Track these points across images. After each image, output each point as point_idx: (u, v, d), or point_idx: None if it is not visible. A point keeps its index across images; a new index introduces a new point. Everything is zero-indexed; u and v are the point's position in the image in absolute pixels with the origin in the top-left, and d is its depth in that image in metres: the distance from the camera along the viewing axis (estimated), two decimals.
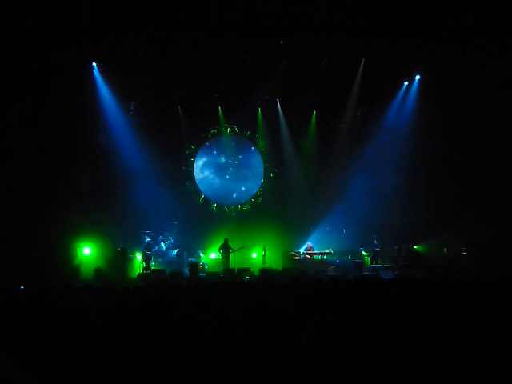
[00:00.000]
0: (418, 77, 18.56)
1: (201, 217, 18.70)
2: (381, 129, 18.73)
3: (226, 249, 16.54)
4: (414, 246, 17.82)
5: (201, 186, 19.47)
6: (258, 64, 17.70)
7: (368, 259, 17.27)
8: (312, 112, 19.34)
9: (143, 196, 16.48)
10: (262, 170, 20.05)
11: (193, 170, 19.47)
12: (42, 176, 14.49)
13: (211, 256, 17.97)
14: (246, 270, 15.31)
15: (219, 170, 19.68)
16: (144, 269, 15.69)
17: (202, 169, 19.62)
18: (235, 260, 16.51)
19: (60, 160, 15.27)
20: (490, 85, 15.92)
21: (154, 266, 16.32)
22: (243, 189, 19.87)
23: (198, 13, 15.21)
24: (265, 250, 17.52)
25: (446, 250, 17.49)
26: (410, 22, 15.57)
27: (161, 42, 16.14)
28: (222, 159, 19.78)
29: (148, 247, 16.16)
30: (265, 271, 15.07)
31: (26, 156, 14.41)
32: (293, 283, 6.61)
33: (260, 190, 19.90)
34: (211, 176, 19.63)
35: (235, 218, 19.24)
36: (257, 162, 20.07)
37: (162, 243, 17.28)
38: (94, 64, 16.90)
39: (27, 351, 2.28)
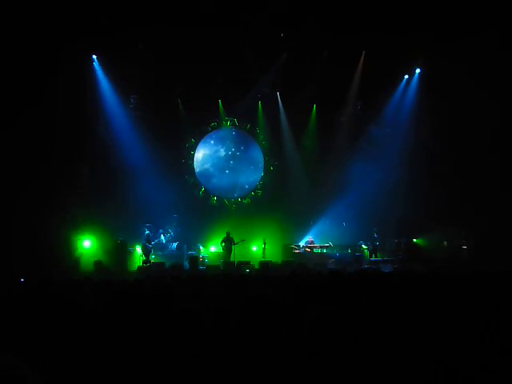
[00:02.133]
0: (418, 70, 18.53)
1: (201, 210, 18.72)
2: (381, 122, 18.71)
3: (227, 242, 16.56)
4: (414, 240, 17.85)
5: (201, 179, 19.47)
6: (259, 57, 17.61)
7: (367, 252, 17.29)
8: (312, 105, 19.34)
9: (143, 189, 16.41)
10: (262, 163, 20.04)
11: (193, 163, 19.47)
12: (42, 168, 14.48)
13: (211, 249, 18.01)
14: (246, 263, 15.30)
15: (219, 163, 19.67)
16: (144, 262, 15.72)
17: (201, 162, 19.60)
18: (235, 253, 16.54)
19: (60, 153, 15.21)
20: (491, 78, 15.84)
21: (153, 258, 16.34)
22: (243, 182, 19.85)
23: (199, 5, 15.14)
24: (265, 244, 17.54)
25: (445, 243, 17.52)
26: (410, 14, 15.49)
27: (161, 34, 16.03)
28: (222, 152, 19.76)
29: (148, 240, 16.16)
30: (265, 264, 15.08)
31: (26, 149, 14.37)
32: (293, 276, 6.62)
33: (260, 183, 19.91)
34: (211, 169, 19.62)
35: (235, 211, 19.26)
36: (257, 155, 20.06)
37: (162, 236, 17.30)
38: (94, 56, 16.84)
39: (26, 343, 2.28)
